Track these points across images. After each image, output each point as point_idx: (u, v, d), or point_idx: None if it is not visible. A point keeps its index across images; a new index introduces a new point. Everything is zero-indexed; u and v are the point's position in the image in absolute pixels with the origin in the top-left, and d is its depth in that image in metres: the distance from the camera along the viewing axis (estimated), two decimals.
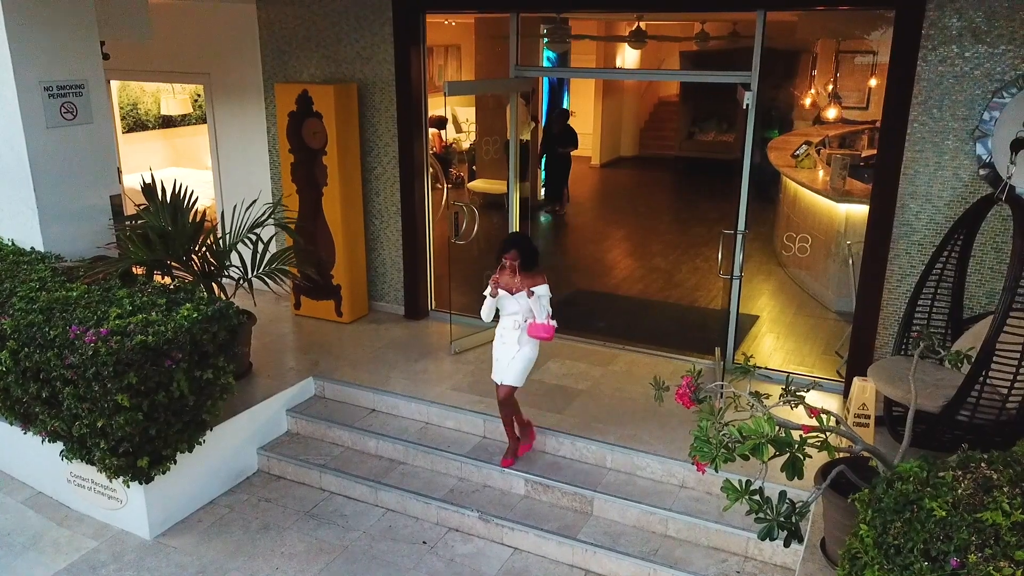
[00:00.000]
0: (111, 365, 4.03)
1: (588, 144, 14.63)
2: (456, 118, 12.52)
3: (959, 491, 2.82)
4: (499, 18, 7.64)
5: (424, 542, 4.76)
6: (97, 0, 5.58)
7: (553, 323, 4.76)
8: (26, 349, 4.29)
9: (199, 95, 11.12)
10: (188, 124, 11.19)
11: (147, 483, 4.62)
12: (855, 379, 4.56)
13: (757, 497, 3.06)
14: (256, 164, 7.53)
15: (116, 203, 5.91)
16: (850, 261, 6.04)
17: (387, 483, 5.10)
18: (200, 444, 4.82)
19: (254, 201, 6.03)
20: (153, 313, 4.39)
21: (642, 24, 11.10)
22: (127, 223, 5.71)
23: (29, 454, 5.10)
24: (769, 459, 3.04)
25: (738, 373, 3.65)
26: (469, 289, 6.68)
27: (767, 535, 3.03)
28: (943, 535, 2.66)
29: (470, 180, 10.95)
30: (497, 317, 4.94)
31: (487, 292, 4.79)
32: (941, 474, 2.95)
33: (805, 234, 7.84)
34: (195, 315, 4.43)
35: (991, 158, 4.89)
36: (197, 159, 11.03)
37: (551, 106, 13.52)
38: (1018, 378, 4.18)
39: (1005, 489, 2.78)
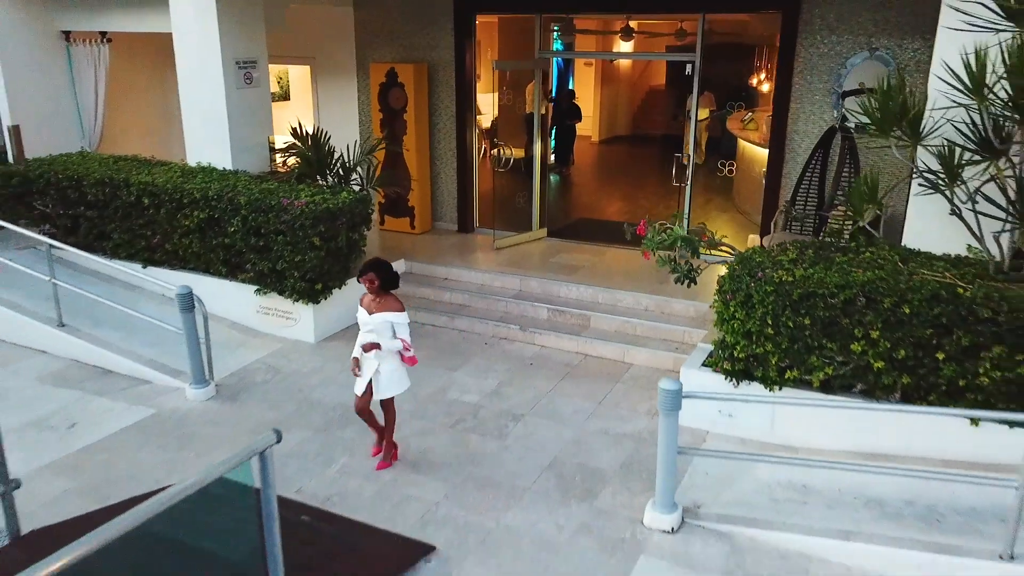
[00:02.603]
0: (311, 219, 6.92)
1: (589, 124, 17.48)
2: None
3: (771, 253, 5.71)
4: (517, 20, 10.47)
5: (485, 343, 7.64)
6: None
7: (411, 353, 5.05)
8: (253, 214, 7.17)
9: (281, 77, 13.98)
10: (273, 101, 14.01)
11: (316, 304, 7.50)
12: (749, 237, 7.44)
13: (674, 262, 5.93)
14: (348, 124, 10.41)
15: (271, 141, 8.81)
16: (763, 181, 8.91)
17: (459, 314, 7.99)
18: (345, 285, 7.70)
19: (368, 137, 8.94)
20: (325, 195, 7.27)
21: (632, 23, 13.98)
22: (279, 153, 8.61)
23: (229, 298, 7.94)
24: (680, 247, 5.94)
25: (673, 218, 6.52)
26: (502, 211, 9.60)
27: (678, 281, 5.91)
28: (757, 265, 5.54)
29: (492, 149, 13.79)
30: None
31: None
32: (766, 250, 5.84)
33: (741, 170, 10.75)
34: (350, 197, 7.32)
35: (841, 106, 7.77)
36: (280, 130, 13.86)
37: (559, 88, 16.39)
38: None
39: (792, 250, 5.67)
